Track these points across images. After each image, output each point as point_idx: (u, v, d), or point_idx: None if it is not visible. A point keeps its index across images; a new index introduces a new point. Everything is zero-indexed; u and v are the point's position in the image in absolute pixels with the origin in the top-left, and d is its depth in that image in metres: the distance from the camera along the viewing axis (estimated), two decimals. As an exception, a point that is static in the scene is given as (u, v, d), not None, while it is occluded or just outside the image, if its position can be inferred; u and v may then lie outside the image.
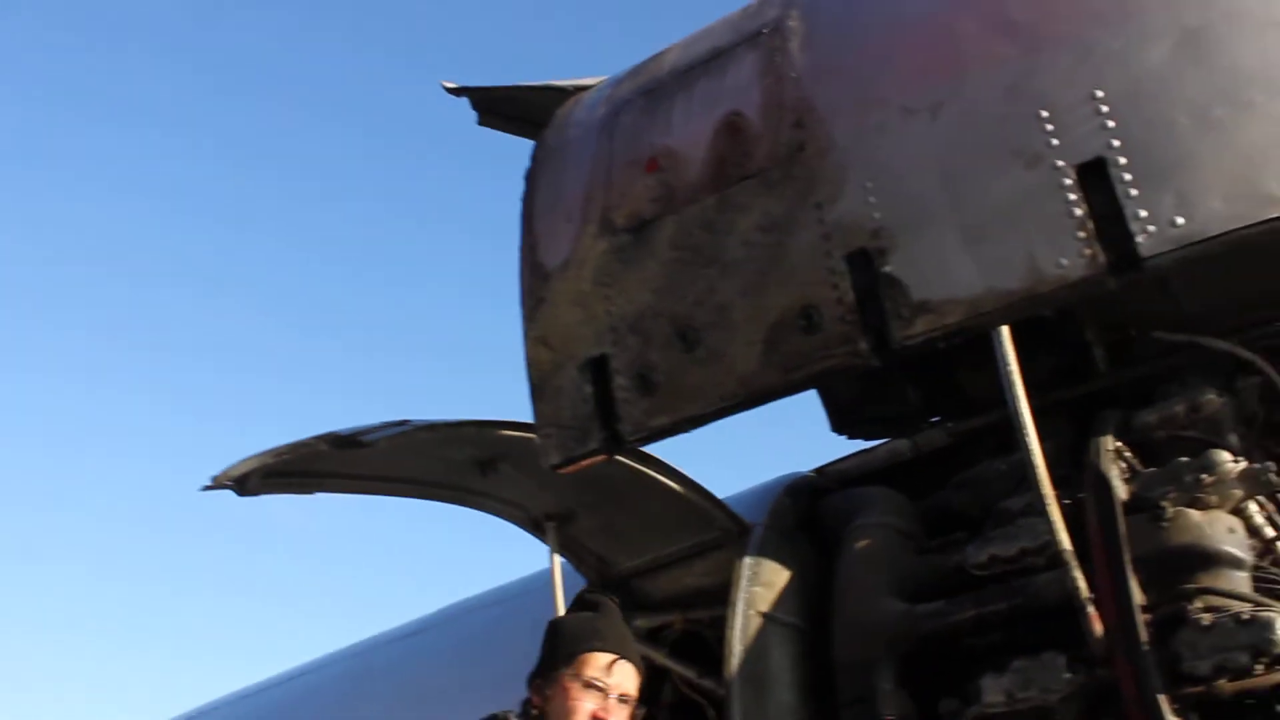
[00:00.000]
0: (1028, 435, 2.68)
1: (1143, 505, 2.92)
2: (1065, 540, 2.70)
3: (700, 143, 2.48)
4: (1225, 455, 2.87)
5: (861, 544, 3.47)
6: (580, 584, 4.07)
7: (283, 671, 6.15)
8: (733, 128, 2.43)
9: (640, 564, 3.93)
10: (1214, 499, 2.85)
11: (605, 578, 4.00)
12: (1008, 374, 2.67)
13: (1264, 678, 2.63)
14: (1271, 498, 2.98)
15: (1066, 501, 3.07)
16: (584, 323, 2.51)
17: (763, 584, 3.46)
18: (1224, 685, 2.64)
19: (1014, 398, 2.69)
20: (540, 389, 2.56)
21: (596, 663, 2.86)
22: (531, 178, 2.75)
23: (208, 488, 3.11)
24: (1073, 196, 2.20)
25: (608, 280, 2.48)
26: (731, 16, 2.82)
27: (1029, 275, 2.16)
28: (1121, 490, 2.99)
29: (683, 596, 3.87)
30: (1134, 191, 2.18)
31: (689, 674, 3.74)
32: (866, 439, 4.05)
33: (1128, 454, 3.14)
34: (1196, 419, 3.14)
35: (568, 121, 2.80)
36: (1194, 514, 2.84)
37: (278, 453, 2.97)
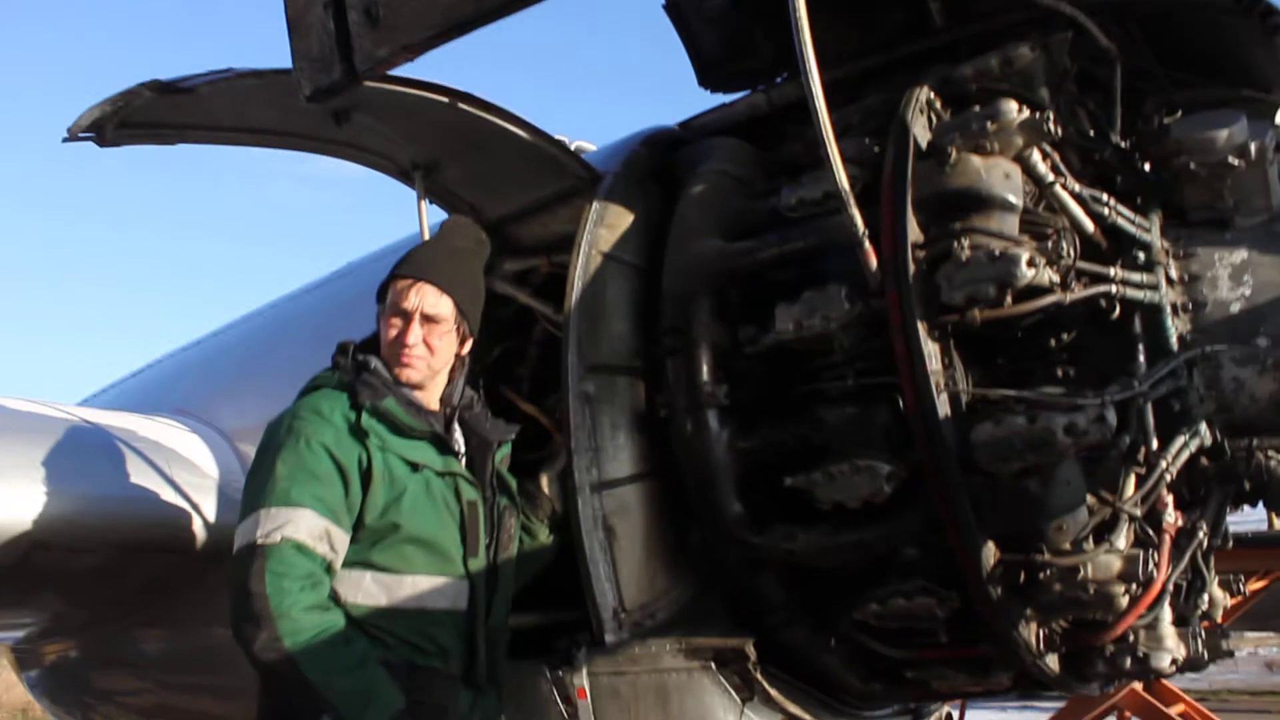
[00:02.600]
0: (809, 70, 2.80)
1: (934, 151, 3.10)
2: (844, 180, 2.89)
3: None
4: (1011, 105, 3.02)
5: (697, 189, 3.68)
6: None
7: (215, 327, 6.57)
8: None
9: (508, 212, 4.14)
10: (996, 145, 3.03)
11: (479, 224, 4.24)
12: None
13: (1012, 308, 2.91)
14: (1059, 146, 3.17)
15: (877, 149, 3.27)
16: None
17: (607, 226, 3.68)
18: (975, 314, 2.91)
19: (799, 31, 2.78)
20: (295, 26, 2.71)
21: (398, 287, 3.16)
22: None
23: (67, 139, 3.29)
24: None
25: None
26: None
27: None
28: (924, 139, 3.17)
29: (548, 241, 4.11)
30: None
31: (549, 311, 4.03)
32: (729, 93, 4.18)
33: (939, 105, 3.29)
34: (1009, 72, 3.26)
35: None
36: (975, 159, 3.02)
37: (113, 101, 3.12)
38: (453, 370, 3.36)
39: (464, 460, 3.30)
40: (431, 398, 3.29)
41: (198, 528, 4.87)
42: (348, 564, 3.02)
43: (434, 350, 3.21)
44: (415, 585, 3.08)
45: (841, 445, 3.13)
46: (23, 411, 4.99)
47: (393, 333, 3.18)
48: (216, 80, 3.15)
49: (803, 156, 3.67)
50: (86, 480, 4.65)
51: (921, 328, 2.91)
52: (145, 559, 4.92)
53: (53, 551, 4.49)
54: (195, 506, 4.91)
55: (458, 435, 3.36)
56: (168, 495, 4.86)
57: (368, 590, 3.03)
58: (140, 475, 4.86)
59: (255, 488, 3.01)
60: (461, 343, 3.34)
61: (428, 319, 3.19)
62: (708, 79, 4.20)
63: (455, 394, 3.36)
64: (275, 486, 2.94)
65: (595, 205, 3.69)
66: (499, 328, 4.22)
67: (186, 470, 5.10)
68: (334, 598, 3.01)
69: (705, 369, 3.38)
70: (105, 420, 5.21)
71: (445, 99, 3.56)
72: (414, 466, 3.11)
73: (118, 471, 4.83)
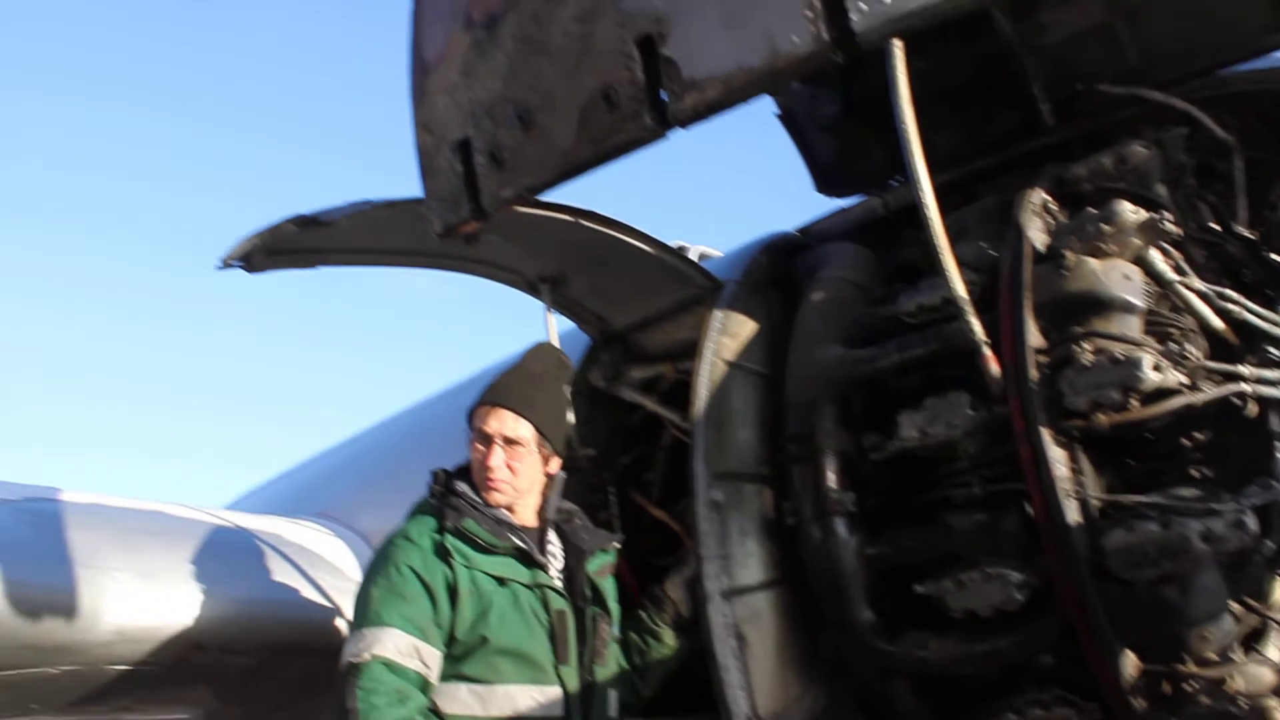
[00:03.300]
0: (920, 180, 2.85)
1: (1051, 254, 3.10)
2: (960, 287, 2.91)
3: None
4: (1126, 206, 3.02)
5: (817, 296, 3.74)
6: (584, 341, 4.47)
7: (358, 431, 6.83)
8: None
9: (633, 320, 4.27)
10: (1114, 247, 3.02)
11: (605, 334, 4.37)
12: (898, 100, 2.79)
13: (1139, 411, 2.87)
14: (1181, 242, 3.14)
15: (994, 253, 3.28)
16: (453, 109, 2.80)
17: (730, 334, 3.76)
18: (1101, 419, 2.89)
19: (907, 143, 2.83)
20: (426, 169, 2.89)
21: (480, 413, 3.34)
22: (419, -20, 2.97)
23: (219, 267, 3.53)
24: None
25: (469, 71, 2.75)
26: None
27: (769, 53, 2.33)
28: (1040, 241, 3.18)
29: (673, 348, 4.21)
30: (850, -30, 2.31)
31: (676, 419, 4.11)
32: (845, 197, 4.25)
33: (1054, 206, 3.29)
34: (1124, 170, 3.26)
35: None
36: (1093, 262, 3.01)
37: (261, 235, 3.34)
38: (545, 487, 3.50)
39: (562, 570, 3.40)
40: (525, 515, 3.45)
41: (342, 629, 5.05)
42: (444, 677, 3.20)
43: (516, 472, 3.38)
44: (509, 695, 3.22)
45: (971, 552, 3.11)
46: (178, 516, 5.26)
47: (477, 457, 3.36)
48: (354, 213, 3.35)
49: (921, 260, 3.70)
50: (238, 583, 4.88)
51: (1046, 434, 2.90)
52: (293, 659, 5.09)
53: (207, 651, 4.71)
54: (338, 609, 5.09)
55: (555, 547, 3.47)
56: (313, 597, 5.06)
57: (464, 701, 3.20)
58: (288, 578, 5.08)
59: (356, 609, 3.27)
60: (546, 461, 3.46)
61: (508, 442, 3.34)
62: (824, 185, 4.28)
63: (550, 508, 3.49)
64: (369, 609, 3.19)
65: (717, 314, 3.77)
66: (628, 434, 4.33)
67: (330, 573, 5.31)
68: (434, 710, 3.18)
69: (831, 476, 3.41)
70: (253, 524, 5.45)
71: (570, 218, 3.71)
72: (500, 581, 3.28)
73: (267, 575, 5.06)
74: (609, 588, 3.54)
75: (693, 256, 5.33)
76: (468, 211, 2.81)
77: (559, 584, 3.37)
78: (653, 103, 2.45)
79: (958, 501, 3.19)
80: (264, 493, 7.34)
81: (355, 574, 5.34)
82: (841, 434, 3.46)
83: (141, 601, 4.51)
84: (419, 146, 2.91)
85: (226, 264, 3.54)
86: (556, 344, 4.13)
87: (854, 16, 2.25)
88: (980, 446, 3.12)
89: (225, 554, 4.95)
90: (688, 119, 2.44)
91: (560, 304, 4.20)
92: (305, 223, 3.29)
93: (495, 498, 3.36)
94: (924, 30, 2.37)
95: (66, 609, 4.27)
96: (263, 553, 5.16)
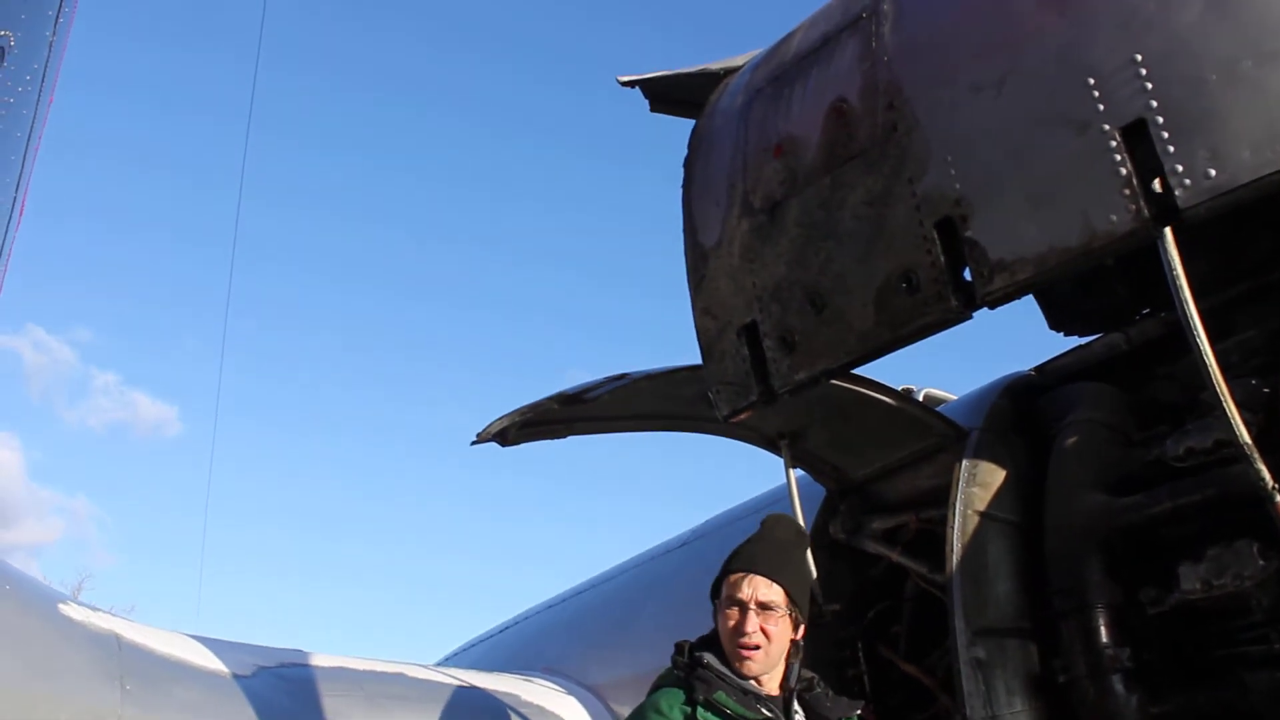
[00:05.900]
0: (1198, 334, 2.76)
1: (1339, 392, 2.95)
2: (1243, 433, 2.78)
3: (815, 128, 2.73)
4: None
5: (1071, 440, 3.63)
6: (819, 492, 4.43)
7: (576, 584, 6.89)
8: (839, 112, 2.67)
9: (872, 471, 4.22)
10: None
11: (843, 485, 4.33)
12: (1174, 278, 2.74)
13: None
14: None
15: (1267, 390, 3.14)
16: (736, 294, 2.84)
17: (979, 485, 3.68)
18: None
19: (1181, 300, 2.77)
20: (708, 352, 2.93)
21: (731, 581, 3.29)
22: (688, 165, 3.08)
23: (475, 442, 3.67)
24: (1118, 157, 2.33)
25: (751, 256, 2.80)
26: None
27: (1084, 232, 2.30)
28: (1321, 377, 3.03)
29: (915, 497, 4.13)
30: (1171, 148, 2.29)
31: (922, 570, 4.01)
32: (1083, 335, 4.14)
33: (1331, 338, 3.15)
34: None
35: (714, 110, 3.10)
36: (1385, 399, 2.85)
37: (521, 412, 3.46)
38: (788, 655, 3.43)
39: None
40: (771, 684, 3.37)
41: (587, 789, 5.05)
42: None
43: (771, 637, 3.30)
44: None
45: (1273, 712, 2.91)
46: (417, 678, 5.38)
47: (731, 624, 3.28)
48: (615, 388, 3.43)
49: (1176, 396, 3.58)
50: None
51: None
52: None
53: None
54: (581, 768, 5.09)
55: (799, 716, 3.39)
56: (557, 757, 5.08)
57: None
58: (532, 739, 5.11)
59: None
60: (795, 627, 3.41)
61: (762, 607, 3.28)
62: (1058, 322, 4.19)
63: (792, 677, 3.42)
64: None
65: (965, 464, 3.70)
66: (871, 587, 4.25)
67: (569, 732, 5.33)
68: None
69: (1104, 631, 3.26)
70: (488, 684, 5.52)
71: None
72: None
73: (513, 738, 5.11)
74: None
75: (919, 398, 5.29)
76: (757, 395, 2.84)
77: None
78: (957, 285, 2.46)
79: (1254, 658, 3.00)
80: (482, 645, 7.42)
81: (593, 731, 5.35)
82: (1111, 586, 3.32)
83: (394, 770, 4.62)
84: (700, 330, 2.96)
85: (483, 440, 3.68)
86: (796, 496, 4.12)
87: (1178, 192, 2.23)
88: (1275, 599, 2.94)
89: (467, 718, 5.03)
90: (997, 301, 2.44)
91: (798, 458, 4.19)
92: (568, 400, 3.39)
93: (749, 666, 3.30)
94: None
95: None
96: (503, 714, 5.22)
